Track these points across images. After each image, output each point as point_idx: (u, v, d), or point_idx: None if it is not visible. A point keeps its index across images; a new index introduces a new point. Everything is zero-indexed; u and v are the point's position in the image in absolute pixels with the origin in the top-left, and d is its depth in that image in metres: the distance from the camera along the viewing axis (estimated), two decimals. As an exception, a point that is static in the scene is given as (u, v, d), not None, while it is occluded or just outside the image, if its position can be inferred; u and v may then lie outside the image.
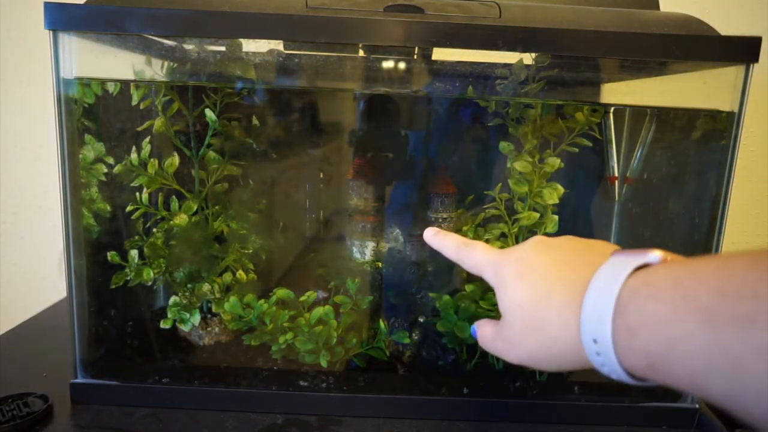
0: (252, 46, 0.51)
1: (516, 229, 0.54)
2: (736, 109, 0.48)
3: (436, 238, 0.41)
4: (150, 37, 0.49)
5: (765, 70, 0.61)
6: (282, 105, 0.60)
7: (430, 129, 0.61)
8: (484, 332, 0.36)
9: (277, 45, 0.52)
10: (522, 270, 0.33)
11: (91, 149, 0.52)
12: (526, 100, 0.52)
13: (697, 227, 0.53)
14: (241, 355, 0.57)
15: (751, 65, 0.46)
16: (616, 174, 0.62)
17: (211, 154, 0.56)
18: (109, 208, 0.54)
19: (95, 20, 0.45)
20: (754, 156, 0.87)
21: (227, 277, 0.57)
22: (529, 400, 0.54)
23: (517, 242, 0.54)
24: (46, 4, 0.44)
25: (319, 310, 0.54)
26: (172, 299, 0.56)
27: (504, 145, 0.53)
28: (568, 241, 0.34)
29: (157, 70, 0.53)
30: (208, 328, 0.59)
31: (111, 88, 0.53)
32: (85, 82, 0.50)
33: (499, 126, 0.54)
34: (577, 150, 0.53)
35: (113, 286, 0.54)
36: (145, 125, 0.54)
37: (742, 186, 0.87)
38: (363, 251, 0.60)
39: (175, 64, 0.53)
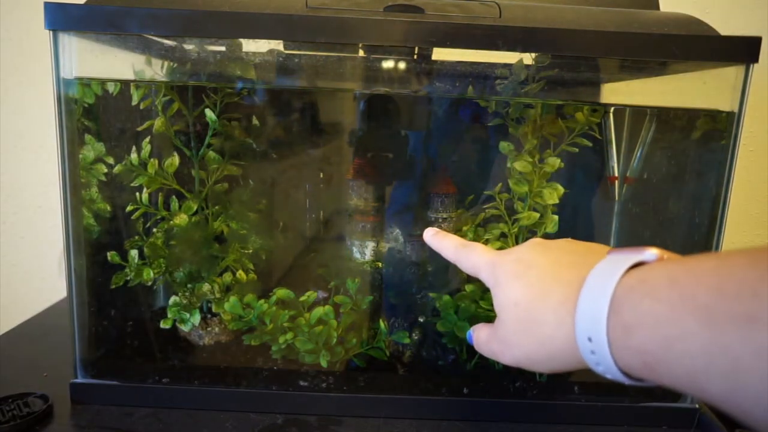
0: (252, 46, 0.51)
1: (516, 229, 0.54)
2: (736, 109, 0.48)
3: (435, 238, 0.41)
4: (150, 37, 0.49)
5: (765, 70, 0.61)
6: (282, 105, 0.60)
7: (430, 129, 0.61)
8: (480, 335, 0.36)
9: (277, 45, 0.52)
10: (518, 269, 0.33)
11: (91, 149, 0.52)
12: (526, 100, 0.52)
13: (697, 227, 0.53)
14: (241, 355, 0.57)
15: (751, 65, 0.46)
16: (616, 174, 0.62)
17: (211, 154, 0.56)
18: (109, 208, 0.54)
19: (95, 20, 0.45)
20: (754, 156, 0.87)
21: (227, 277, 0.57)
22: (529, 400, 0.54)
23: (517, 242, 0.54)
24: (46, 4, 0.44)
25: (319, 310, 0.54)
26: (172, 299, 0.56)
27: (504, 145, 0.53)
28: (567, 244, 0.34)
29: (157, 70, 0.53)
30: (208, 328, 0.59)
31: (111, 88, 0.53)
32: (85, 82, 0.50)
33: (499, 126, 0.54)
34: (577, 150, 0.53)
35: (113, 286, 0.54)
36: (145, 125, 0.54)
37: (742, 186, 0.87)
38: (363, 251, 0.60)
39: (175, 64, 0.53)
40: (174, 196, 0.56)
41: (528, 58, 0.49)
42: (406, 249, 0.60)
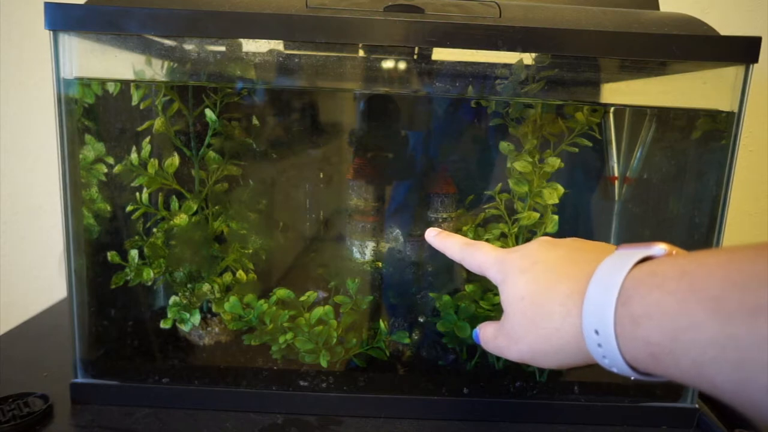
0: (252, 46, 0.51)
1: (516, 229, 0.54)
2: (735, 110, 0.48)
3: (438, 238, 0.41)
4: (150, 37, 0.49)
5: (765, 70, 0.61)
6: (282, 105, 0.60)
7: (430, 129, 0.61)
8: (486, 332, 0.36)
9: (277, 45, 0.52)
10: (524, 264, 0.33)
11: (91, 149, 0.52)
12: (526, 100, 0.52)
13: (696, 227, 0.53)
14: (241, 355, 0.57)
15: (751, 65, 0.46)
16: (616, 174, 0.62)
17: (211, 154, 0.56)
18: (109, 208, 0.54)
19: (95, 20, 0.45)
20: (754, 156, 0.87)
21: (227, 277, 0.57)
22: (529, 400, 0.54)
23: (517, 242, 0.54)
24: (46, 4, 0.44)
25: (319, 310, 0.54)
26: (172, 299, 0.56)
27: (504, 145, 0.53)
28: (574, 242, 0.34)
29: (157, 70, 0.53)
30: (208, 328, 0.59)
31: (111, 88, 0.53)
32: (85, 82, 0.50)
33: (499, 126, 0.54)
34: (577, 150, 0.53)
35: (113, 286, 0.54)
36: (145, 125, 0.54)
37: (742, 186, 0.87)
38: (363, 251, 0.60)
39: (175, 64, 0.53)
40: (174, 196, 0.56)
41: (528, 58, 0.49)
42: (406, 249, 0.60)
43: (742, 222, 0.90)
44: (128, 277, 0.55)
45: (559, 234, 0.52)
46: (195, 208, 0.56)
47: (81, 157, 0.51)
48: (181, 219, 0.55)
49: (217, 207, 0.58)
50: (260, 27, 0.45)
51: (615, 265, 0.26)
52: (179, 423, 0.50)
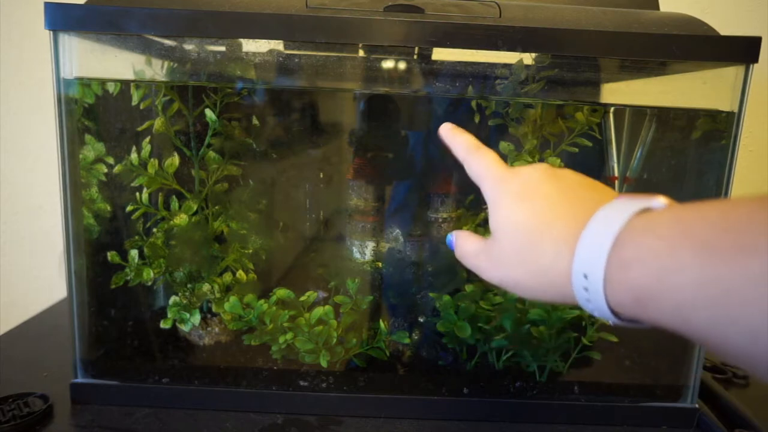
0: (252, 46, 0.51)
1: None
2: (735, 109, 0.48)
3: (450, 133, 0.39)
4: (150, 37, 0.49)
5: (765, 70, 0.61)
6: (282, 105, 0.60)
7: (430, 129, 0.61)
8: (466, 246, 0.35)
9: (277, 45, 0.52)
10: (525, 192, 0.32)
11: (91, 149, 0.52)
12: (526, 100, 0.52)
13: (697, 227, 0.53)
14: (241, 355, 0.57)
15: (751, 65, 0.46)
16: (616, 174, 0.62)
17: (211, 154, 0.56)
18: (109, 208, 0.54)
19: (95, 20, 0.45)
20: (754, 156, 0.87)
21: (227, 277, 0.57)
22: (529, 400, 0.54)
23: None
24: (46, 4, 0.44)
25: (319, 310, 0.54)
26: (172, 299, 0.56)
27: (504, 145, 0.53)
28: (574, 175, 0.33)
29: (157, 70, 0.53)
30: (208, 328, 0.59)
31: (111, 88, 0.53)
32: (85, 82, 0.50)
33: (499, 126, 0.54)
34: (577, 150, 0.53)
35: (113, 286, 0.54)
36: (145, 125, 0.54)
37: (742, 186, 0.87)
38: (363, 251, 0.60)
39: (175, 64, 0.53)
40: (174, 196, 0.56)
41: (528, 58, 0.49)
42: (406, 249, 0.60)
43: (742, 222, 0.90)
44: (128, 277, 0.55)
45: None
46: (195, 208, 0.56)
47: (81, 157, 0.51)
48: (181, 219, 0.55)
49: (217, 207, 0.58)
50: (260, 27, 0.45)
51: (613, 213, 0.26)
52: (179, 423, 0.50)
